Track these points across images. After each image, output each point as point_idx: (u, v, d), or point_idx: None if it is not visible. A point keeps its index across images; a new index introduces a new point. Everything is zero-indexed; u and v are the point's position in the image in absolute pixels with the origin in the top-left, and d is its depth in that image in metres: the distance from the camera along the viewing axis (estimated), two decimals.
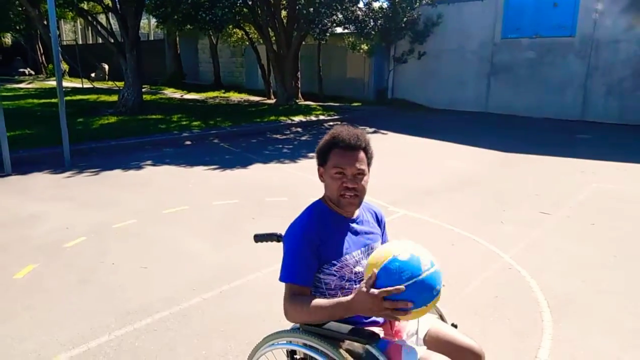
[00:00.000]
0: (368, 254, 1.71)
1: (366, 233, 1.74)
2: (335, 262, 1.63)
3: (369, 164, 1.67)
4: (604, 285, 3.40)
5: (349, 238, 1.69)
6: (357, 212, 1.75)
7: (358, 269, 1.67)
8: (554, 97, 13.07)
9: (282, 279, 1.62)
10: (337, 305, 1.49)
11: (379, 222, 1.86)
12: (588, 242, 4.25)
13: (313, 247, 1.60)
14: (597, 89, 12.44)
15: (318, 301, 1.53)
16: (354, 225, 1.72)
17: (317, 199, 1.75)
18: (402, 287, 1.37)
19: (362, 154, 1.63)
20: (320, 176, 1.70)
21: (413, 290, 1.38)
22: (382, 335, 1.66)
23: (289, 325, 1.77)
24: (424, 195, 5.69)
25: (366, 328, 1.66)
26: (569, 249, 4.07)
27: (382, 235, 1.86)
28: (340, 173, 1.61)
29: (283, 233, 1.85)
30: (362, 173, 1.62)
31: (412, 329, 1.75)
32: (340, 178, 1.61)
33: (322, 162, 1.68)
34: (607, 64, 12.18)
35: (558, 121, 12.49)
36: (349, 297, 1.46)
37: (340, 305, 1.47)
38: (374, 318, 1.71)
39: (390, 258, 1.43)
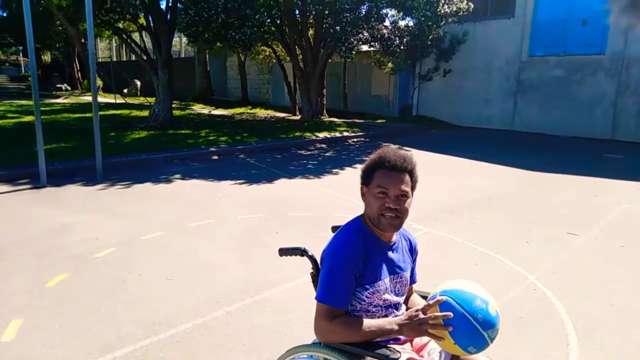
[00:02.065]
0: (396, 282, 1.72)
1: (398, 261, 1.74)
2: (368, 286, 1.63)
3: (413, 188, 1.66)
4: (633, 309, 3.30)
5: (384, 264, 1.68)
6: (394, 237, 1.73)
7: (386, 296, 1.67)
8: (582, 116, 12.82)
9: (320, 299, 1.59)
10: (387, 324, 1.54)
11: (412, 250, 1.85)
12: (617, 264, 4.14)
13: (357, 272, 1.60)
14: (628, 108, 12.16)
15: (367, 322, 1.56)
16: (389, 251, 1.71)
17: (344, 216, 1.76)
18: (450, 314, 1.43)
19: (407, 177, 1.62)
20: (363, 195, 1.70)
21: (462, 325, 1.43)
22: (402, 352, 1.67)
23: (310, 339, 1.80)
24: (449, 213, 5.65)
25: (387, 345, 1.68)
26: (597, 271, 3.97)
27: (413, 263, 1.86)
28: (383, 193, 1.60)
29: (307, 248, 1.89)
30: (405, 195, 1.61)
31: (435, 348, 1.75)
32: (383, 198, 1.60)
33: (366, 182, 1.67)
34: (639, 82, 11.91)
35: (587, 140, 12.23)
36: (400, 317, 1.54)
37: (391, 324, 1.53)
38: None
39: (483, 299, 1.47)
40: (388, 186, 1.60)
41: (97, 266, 3.93)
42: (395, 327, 1.52)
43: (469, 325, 1.42)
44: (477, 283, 1.56)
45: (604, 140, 12.15)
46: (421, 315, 1.48)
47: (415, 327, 1.48)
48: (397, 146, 10.23)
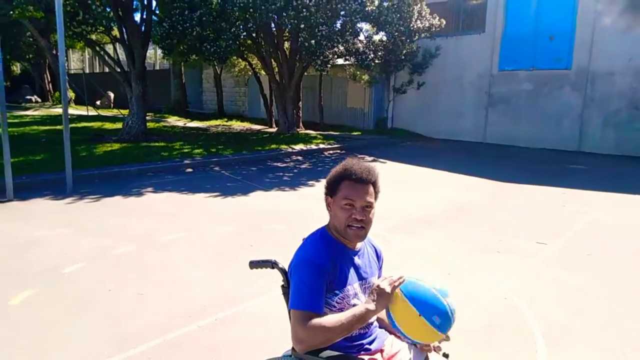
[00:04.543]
0: (365, 288, 1.74)
1: (365, 267, 1.77)
2: (337, 292, 1.65)
3: (376, 198, 1.71)
4: (600, 317, 3.40)
5: (351, 270, 1.71)
6: (359, 245, 1.77)
7: (355, 301, 1.69)
8: (551, 129, 13.24)
9: (295, 306, 1.59)
10: (361, 308, 1.58)
11: (378, 258, 1.89)
12: (585, 272, 4.26)
13: (327, 277, 1.62)
14: (593, 121, 12.62)
15: (340, 314, 1.58)
16: (355, 257, 1.74)
17: (318, 227, 1.78)
18: (403, 275, 1.61)
19: (371, 188, 1.67)
20: (328, 206, 1.73)
21: (421, 292, 1.58)
22: None
23: (280, 352, 1.79)
24: (421, 223, 5.72)
25: (357, 356, 1.69)
26: (565, 280, 4.08)
27: (379, 270, 1.89)
28: (349, 205, 1.64)
29: (277, 260, 1.89)
30: (370, 206, 1.66)
31: (404, 358, 1.77)
32: (349, 209, 1.64)
33: (331, 192, 1.71)
34: (603, 96, 12.39)
35: (555, 152, 12.61)
36: (369, 298, 1.60)
37: (364, 306, 1.58)
38: (366, 346, 1.73)
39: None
40: (354, 198, 1.64)
41: (65, 282, 3.82)
42: (371, 307, 1.56)
43: (427, 291, 1.57)
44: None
45: (571, 152, 12.55)
46: (378, 282, 1.61)
47: (382, 294, 1.57)
48: (372, 158, 10.36)
